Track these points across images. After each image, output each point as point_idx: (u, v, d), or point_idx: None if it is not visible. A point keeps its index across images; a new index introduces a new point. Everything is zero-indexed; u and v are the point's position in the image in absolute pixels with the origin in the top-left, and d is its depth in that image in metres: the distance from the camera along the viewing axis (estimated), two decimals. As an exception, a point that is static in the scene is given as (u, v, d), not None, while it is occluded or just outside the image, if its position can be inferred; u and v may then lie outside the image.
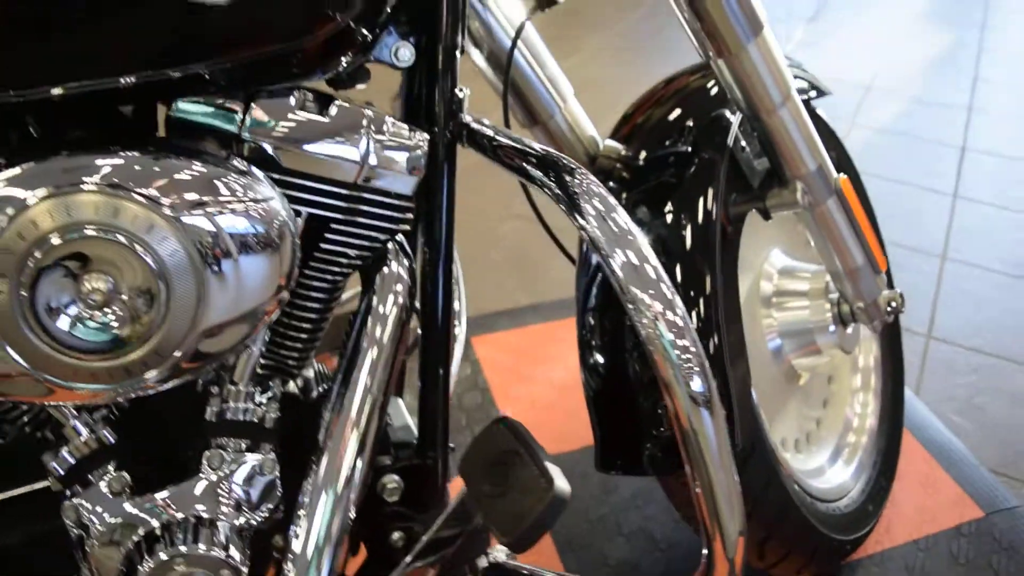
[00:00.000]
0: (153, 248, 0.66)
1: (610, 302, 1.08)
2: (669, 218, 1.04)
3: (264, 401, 0.86)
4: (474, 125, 0.88)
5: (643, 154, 1.12)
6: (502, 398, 1.68)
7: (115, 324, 0.67)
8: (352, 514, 0.81)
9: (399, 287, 0.86)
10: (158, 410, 0.87)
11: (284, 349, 0.88)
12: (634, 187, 1.11)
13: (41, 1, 0.63)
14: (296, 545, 0.80)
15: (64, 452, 0.81)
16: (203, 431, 0.84)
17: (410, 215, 0.84)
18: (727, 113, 1.09)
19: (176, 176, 0.67)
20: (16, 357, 0.66)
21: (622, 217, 0.74)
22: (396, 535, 0.95)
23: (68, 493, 0.81)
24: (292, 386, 0.94)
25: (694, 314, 1.00)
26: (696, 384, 0.72)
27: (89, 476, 0.81)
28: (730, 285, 1.03)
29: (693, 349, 0.71)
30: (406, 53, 0.82)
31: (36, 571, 0.86)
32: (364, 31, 0.74)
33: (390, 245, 0.88)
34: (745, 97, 1.00)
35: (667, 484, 1.14)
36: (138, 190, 0.65)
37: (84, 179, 0.64)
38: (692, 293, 1.01)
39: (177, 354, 0.70)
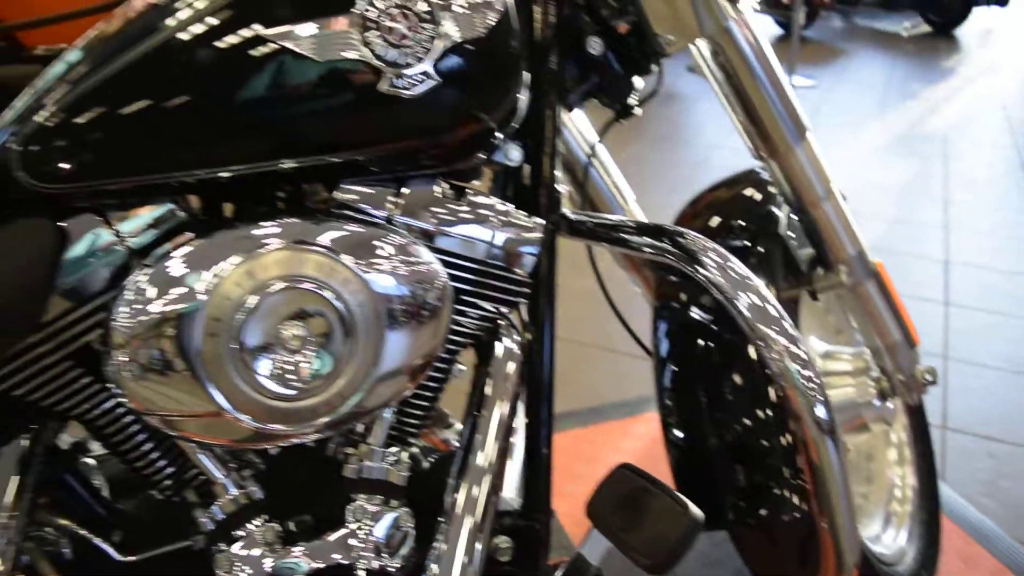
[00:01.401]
0: (346, 301, 0.77)
1: (685, 384, 1.19)
2: None
3: (394, 461, 0.95)
4: (572, 216, 1.01)
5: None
6: (557, 495, 1.74)
7: (307, 369, 0.77)
8: (478, 568, 0.89)
9: (513, 360, 0.98)
10: (300, 467, 0.95)
11: (408, 415, 0.97)
12: (694, 281, 1.25)
13: (230, 96, 0.75)
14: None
15: (215, 507, 0.88)
16: (342, 487, 0.92)
17: (527, 290, 0.97)
18: (774, 210, 1.24)
19: (362, 240, 0.79)
20: (220, 399, 0.75)
21: (739, 265, 0.86)
22: None
23: (220, 546, 0.88)
24: (415, 449, 1.03)
25: (772, 390, 1.12)
26: (821, 411, 0.82)
27: (240, 529, 0.88)
28: None
29: (817, 381, 0.82)
30: (516, 154, 0.97)
31: None
32: (499, 134, 0.88)
33: (502, 321, 1.00)
34: (794, 192, 1.16)
35: (741, 539, 1.21)
36: (334, 250, 0.77)
37: (289, 239, 0.76)
38: (768, 371, 1.12)
39: (353, 401, 0.80)
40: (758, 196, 1.28)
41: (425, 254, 0.83)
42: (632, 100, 1.09)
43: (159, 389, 0.75)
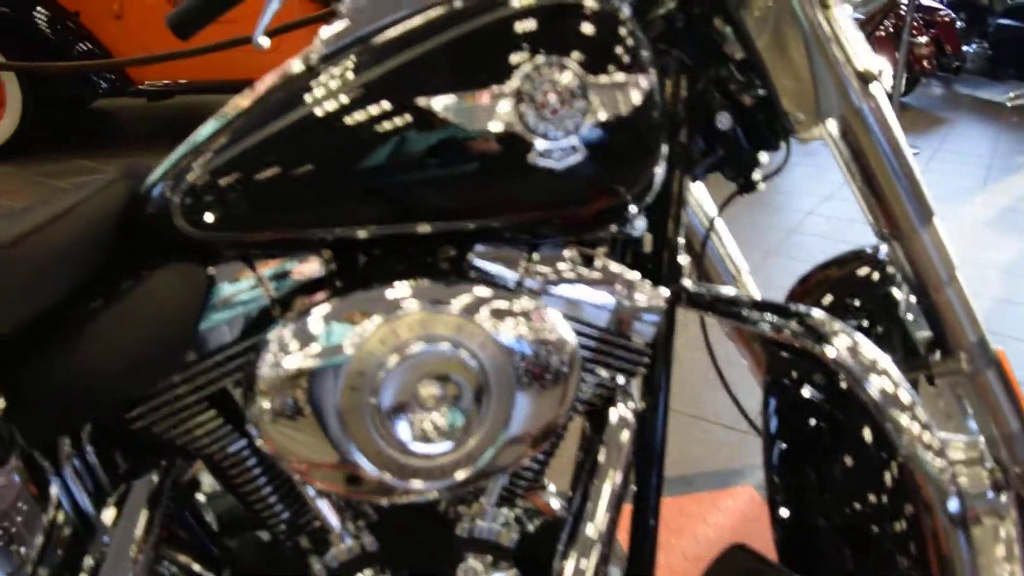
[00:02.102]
0: (482, 363, 0.79)
1: (794, 463, 1.18)
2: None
3: (504, 523, 0.96)
4: (692, 288, 1.02)
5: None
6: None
7: (441, 428, 0.79)
8: None
9: (627, 429, 0.98)
10: (413, 522, 0.97)
11: (519, 477, 0.99)
12: (809, 356, 1.23)
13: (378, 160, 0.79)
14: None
15: (330, 555, 0.90)
16: (452, 545, 0.94)
17: (646, 360, 0.97)
18: (894, 291, 1.22)
19: (498, 304, 0.81)
20: (355, 452, 0.78)
21: (870, 347, 0.85)
22: None
23: None
24: (522, 512, 1.04)
25: (887, 474, 1.09)
26: (953, 504, 0.80)
27: None
28: None
29: (949, 471, 0.80)
30: (640, 223, 0.98)
31: None
32: (633, 207, 0.90)
33: (617, 389, 1.01)
34: (916, 275, 1.14)
35: None
36: (474, 314, 0.79)
37: (429, 301, 0.79)
38: (885, 454, 1.10)
39: (482, 461, 0.81)
40: (876, 276, 1.27)
41: (557, 320, 0.84)
42: (756, 175, 1.10)
43: (297, 436, 0.78)
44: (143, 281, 0.82)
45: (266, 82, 0.85)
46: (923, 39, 6.85)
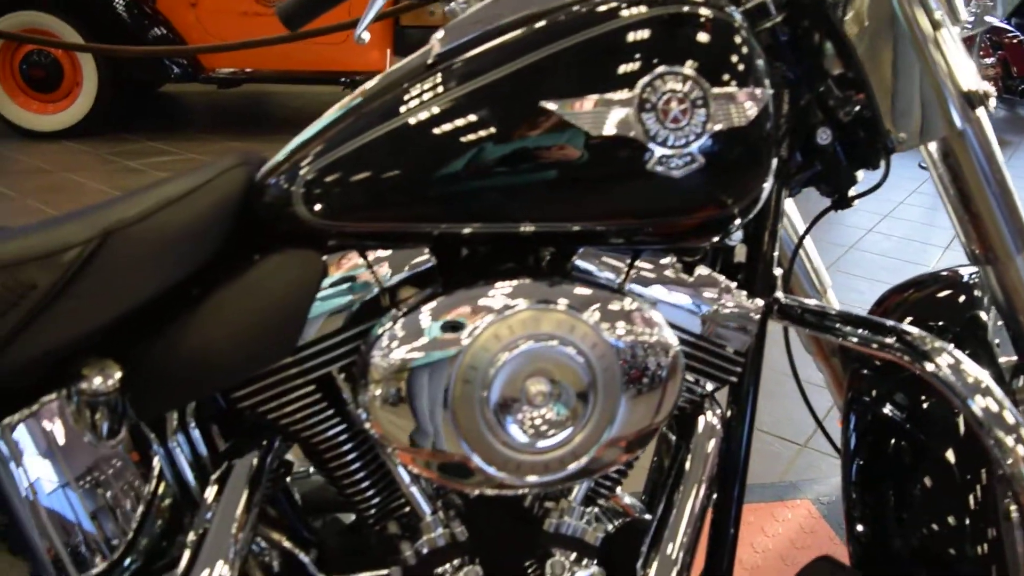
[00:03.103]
0: (592, 362, 0.81)
1: (872, 480, 1.18)
2: (938, 406, 1.14)
3: (589, 521, 0.98)
4: (784, 300, 1.03)
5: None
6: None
7: (549, 425, 0.81)
8: None
9: (714, 437, 1.00)
10: (500, 516, 0.99)
11: (606, 477, 1.00)
12: (888, 375, 1.23)
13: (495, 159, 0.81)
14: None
15: (421, 542, 0.93)
16: (539, 540, 0.96)
17: (738, 369, 0.98)
18: (981, 314, 1.22)
19: (607, 305, 0.83)
20: (463, 442, 0.80)
21: (972, 365, 0.85)
22: None
23: None
24: (602, 511, 1.06)
25: (972, 497, 1.09)
26: None
27: (442, 567, 0.92)
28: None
29: None
30: (737, 235, 0.99)
31: None
32: (737, 219, 0.90)
33: (706, 397, 1.02)
34: (1007, 300, 1.14)
35: None
36: (586, 313, 0.81)
37: (541, 300, 0.81)
38: (969, 476, 1.09)
39: (584, 459, 0.83)
40: (962, 298, 1.26)
41: (661, 322, 0.86)
42: (851, 192, 1.10)
43: (407, 424, 0.80)
44: (260, 265, 0.85)
45: (385, 77, 0.87)
46: (990, 60, 6.73)
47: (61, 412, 0.84)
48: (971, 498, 1.09)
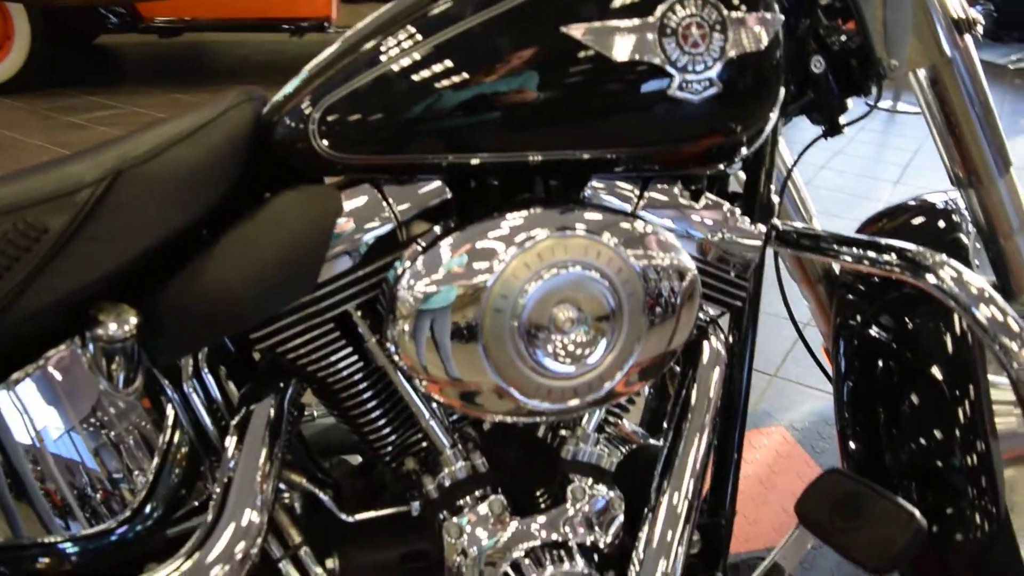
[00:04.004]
0: (618, 286, 0.82)
1: (863, 401, 1.22)
2: (924, 326, 1.19)
3: (605, 447, 1.00)
4: (782, 226, 1.05)
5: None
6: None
7: (576, 350, 0.83)
8: (682, 560, 0.93)
9: (719, 363, 1.02)
10: (519, 446, 1.01)
11: (617, 406, 1.03)
12: (874, 298, 1.27)
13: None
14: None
15: (443, 475, 0.94)
16: (557, 468, 0.98)
17: (743, 294, 1.01)
18: (962, 238, 1.26)
19: (626, 229, 0.84)
20: (494, 370, 0.81)
21: (973, 276, 0.88)
22: None
23: (443, 514, 0.93)
24: (610, 438, 1.08)
25: (961, 411, 1.14)
26: None
27: (466, 499, 0.94)
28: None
29: None
30: (737, 165, 1.01)
31: None
32: (744, 147, 0.92)
33: (710, 326, 1.04)
34: (988, 222, 1.18)
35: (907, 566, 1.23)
36: (607, 238, 0.82)
37: (564, 226, 0.81)
38: (958, 392, 1.14)
39: (611, 383, 0.85)
40: (941, 223, 1.30)
41: (678, 245, 0.87)
42: (842, 119, 1.12)
43: (438, 356, 0.81)
44: (275, 202, 0.84)
45: (396, 5, 0.85)
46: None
47: (76, 360, 0.82)
48: (959, 412, 1.14)
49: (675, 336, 0.87)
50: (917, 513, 0.88)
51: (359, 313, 0.88)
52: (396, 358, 0.83)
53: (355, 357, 0.91)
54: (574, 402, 0.85)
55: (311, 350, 0.88)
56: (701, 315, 1.04)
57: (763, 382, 2.21)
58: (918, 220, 1.33)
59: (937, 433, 1.16)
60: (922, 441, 1.17)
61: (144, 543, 0.88)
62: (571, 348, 0.82)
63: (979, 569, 1.13)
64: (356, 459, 1.13)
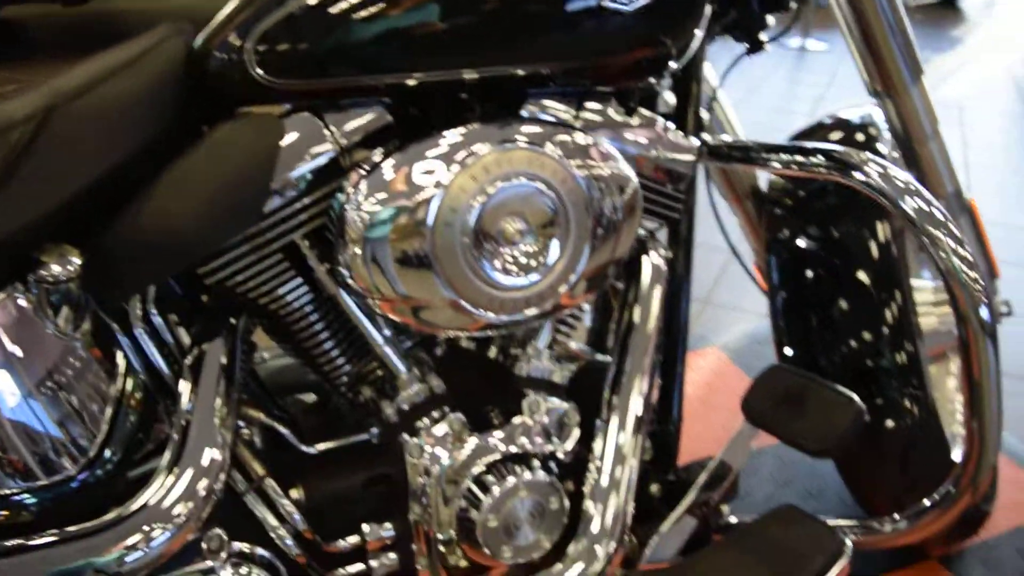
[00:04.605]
0: (563, 197, 0.84)
1: (796, 308, 1.28)
2: (849, 234, 1.24)
3: (556, 362, 1.03)
4: (711, 141, 1.08)
5: (803, 186, 1.35)
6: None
7: (525, 261, 0.84)
8: (636, 466, 0.97)
9: (659, 277, 1.05)
10: (473, 366, 1.03)
11: (562, 321, 1.05)
12: (801, 212, 1.33)
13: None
14: (599, 491, 0.96)
15: (400, 398, 0.95)
16: (512, 385, 1.00)
17: (679, 206, 1.04)
18: (880, 147, 1.32)
19: (568, 140, 0.85)
20: (447, 286, 0.82)
21: (900, 171, 0.92)
22: (654, 487, 1.11)
23: (404, 436, 0.95)
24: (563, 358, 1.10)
25: (888, 312, 1.20)
26: (984, 313, 0.89)
27: (427, 419, 0.95)
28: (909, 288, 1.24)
29: (982, 283, 0.89)
30: (665, 81, 1.04)
31: (356, 516, 0.98)
32: (673, 61, 0.94)
33: (649, 240, 1.07)
34: (904, 129, 1.24)
35: (849, 465, 1.31)
36: (555, 150, 0.84)
37: (514, 140, 0.83)
38: (884, 295, 1.20)
39: (560, 292, 0.87)
40: (858, 136, 1.36)
41: (618, 155, 0.89)
42: (763, 36, 1.16)
43: (391, 276, 0.81)
44: (215, 133, 0.82)
45: None
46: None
47: (19, 306, 0.80)
48: (887, 314, 1.21)
49: (620, 244, 0.89)
50: (856, 398, 0.93)
51: (307, 243, 0.88)
52: (350, 282, 0.83)
53: (305, 288, 0.91)
54: (526, 313, 0.86)
55: (261, 282, 0.88)
56: (640, 230, 1.07)
57: (696, 308, 2.28)
58: (837, 135, 1.38)
59: (867, 335, 1.22)
60: (853, 343, 1.24)
61: (105, 487, 0.87)
62: (520, 259, 0.84)
63: (909, 454, 1.21)
64: (311, 397, 1.13)
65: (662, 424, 1.13)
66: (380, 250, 0.80)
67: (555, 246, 0.85)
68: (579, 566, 0.94)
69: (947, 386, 1.62)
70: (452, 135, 0.83)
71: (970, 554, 1.51)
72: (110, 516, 0.78)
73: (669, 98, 1.10)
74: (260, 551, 0.93)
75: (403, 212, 0.80)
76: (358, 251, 0.81)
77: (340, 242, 0.82)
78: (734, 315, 2.28)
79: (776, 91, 4.44)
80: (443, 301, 0.83)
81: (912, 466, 1.22)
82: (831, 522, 0.99)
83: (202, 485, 0.80)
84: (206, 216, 0.81)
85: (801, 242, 1.29)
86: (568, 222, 0.85)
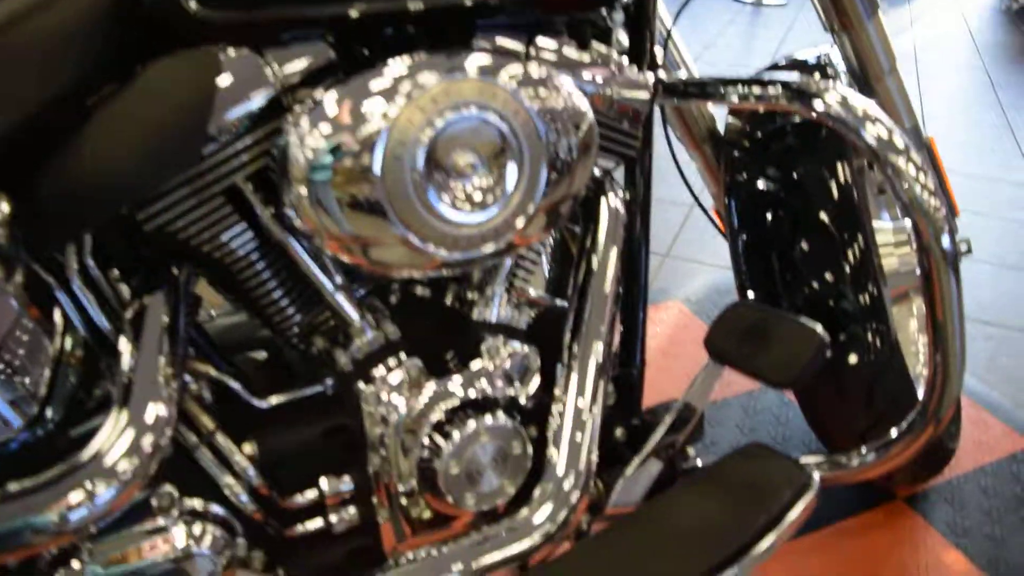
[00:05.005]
0: (516, 129, 0.81)
1: (758, 251, 1.26)
2: (809, 174, 1.23)
3: (515, 307, 1.01)
4: (667, 78, 1.06)
5: (761, 127, 1.33)
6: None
7: (478, 196, 0.81)
8: (600, 410, 0.96)
9: (618, 219, 1.03)
10: (430, 310, 1.00)
11: (519, 265, 1.03)
12: (759, 153, 1.31)
13: None
14: (562, 436, 0.94)
15: (355, 347, 0.92)
16: (469, 329, 0.98)
17: (635, 143, 1.01)
18: (837, 85, 1.30)
19: (520, 72, 0.82)
20: (398, 223, 0.79)
21: (858, 97, 0.89)
22: (619, 432, 1.09)
23: (359, 385, 0.92)
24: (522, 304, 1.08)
25: (850, 252, 1.19)
26: (946, 241, 0.88)
27: (383, 367, 0.92)
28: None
29: (944, 211, 0.88)
30: (619, 15, 1.01)
31: (313, 471, 0.96)
32: None
33: (605, 179, 1.05)
34: (860, 66, 1.22)
35: (814, 404, 1.30)
36: (508, 81, 0.80)
37: (465, 69, 0.79)
38: (846, 236, 1.19)
39: (516, 227, 0.84)
40: (818, 76, 1.34)
41: (572, 88, 0.86)
42: None
43: (340, 216, 0.78)
44: (150, 70, 0.78)
45: None
46: None
47: None
48: (848, 254, 1.20)
49: (575, 180, 0.86)
50: (820, 328, 0.92)
51: (250, 186, 0.84)
52: (297, 223, 0.80)
53: (250, 234, 0.87)
54: (481, 250, 0.83)
55: (202, 228, 0.84)
56: (596, 170, 1.04)
57: (657, 262, 2.28)
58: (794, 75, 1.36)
59: (828, 275, 1.21)
60: (815, 283, 1.22)
61: (48, 446, 0.84)
62: (473, 194, 0.81)
63: (873, 391, 1.20)
64: (263, 356, 1.10)
65: (625, 368, 1.11)
66: (326, 188, 0.77)
67: (508, 180, 0.82)
68: (545, 510, 0.92)
69: (910, 328, 1.63)
70: (398, 65, 0.79)
71: (935, 493, 1.52)
72: (50, 474, 0.74)
73: (623, 39, 1.07)
74: (215, 507, 0.90)
75: (349, 147, 0.76)
76: (303, 191, 0.77)
77: (284, 182, 0.78)
78: (695, 268, 2.28)
79: (732, 47, 4.43)
80: (394, 239, 0.80)
81: (876, 403, 1.22)
82: (798, 459, 0.98)
83: (147, 441, 0.77)
84: (140, 158, 0.77)
85: (760, 184, 1.28)
86: (522, 155, 0.82)
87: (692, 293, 2.14)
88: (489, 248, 0.84)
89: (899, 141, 0.87)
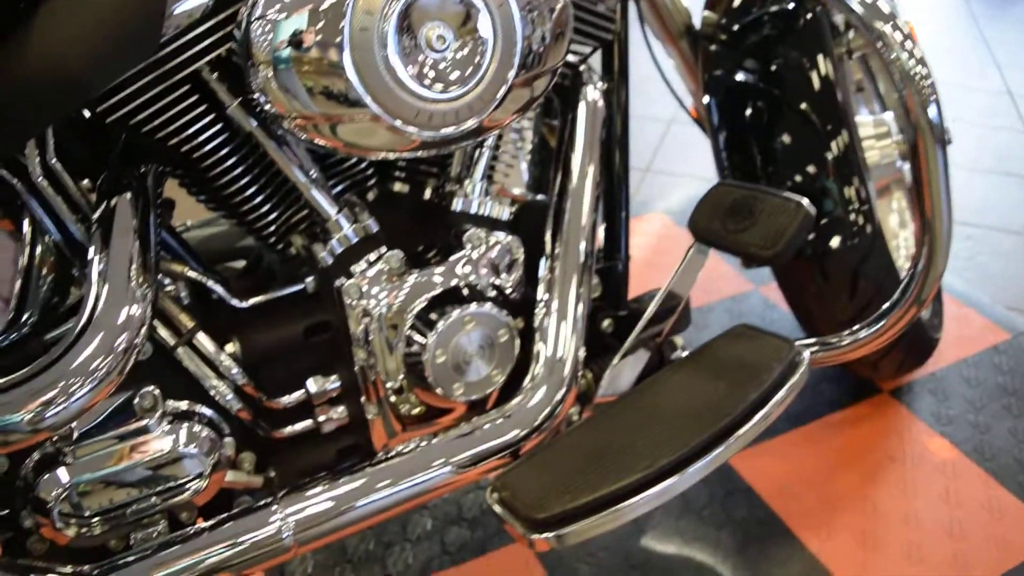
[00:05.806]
0: (488, 1, 0.78)
1: (740, 144, 1.24)
2: (788, 64, 1.20)
3: (497, 202, 0.99)
4: None
5: (737, 19, 1.30)
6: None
7: (450, 71, 0.78)
8: (585, 302, 0.95)
9: (597, 107, 1.01)
10: (409, 203, 0.98)
11: (496, 159, 1.01)
12: (737, 45, 1.28)
13: None
14: (549, 326, 0.93)
15: (334, 242, 0.90)
16: (450, 220, 0.96)
17: (612, 27, 0.99)
18: None
19: None
20: (369, 98, 0.76)
21: None
22: (605, 323, 1.09)
23: (341, 280, 0.90)
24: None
25: (834, 144, 1.17)
26: (933, 111, 0.86)
27: (363, 260, 0.90)
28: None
29: (930, 80, 0.86)
30: None
31: (298, 370, 0.94)
32: None
33: (583, 69, 1.02)
34: None
35: (788, 273, 1.29)
36: None
37: None
38: (830, 127, 1.17)
39: (491, 105, 0.81)
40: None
41: None
42: None
43: (310, 95, 0.75)
44: None
45: None
46: None
47: None
48: (832, 145, 1.18)
49: (549, 56, 0.83)
50: (805, 201, 0.91)
51: (215, 76, 0.81)
52: (266, 108, 0.77)
53: (219, 126, 0.84)
54: (455, 127, 0.81)
55: (167, 120, 0.81)
56: (573, 56, 1.02)
57: (638, 176, 2.26)
58: None
59: (811, 168, 1.20)
60: (797, 177, 1.21)
61: (23, 349, 0.82)
62: (445, 68, 0.78)
63: (857, 276, 1.20)
64: (240, 264, 1.08)
65: (610, 261, 1.10)
66: (292, 67, 0.74)
67: (481, 55, 0.79)
68: (534, 399, 0.92)
69: (891, 222, 1.63)
70: None
71: (919, 385, 1.53)
72: (23, 372, 0.72)
73: None
74: (201, 408, 0.89)
75: (314, 19, 0.73)
76: (269, 72, 0.74)
77: (249, 65, 0.75)
78: (676, 181, 2.26)
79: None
80: (365, 116, 0.77)
81: (861, 289, 1.21)
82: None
83: (121, 339, 0.75)
84: (97, 46, 0.73)
85: (739, 77, 1.25)
86: (494, 28, 0.79)
87: (674, 205, 2.13)
88: (467, 124, 0.81)
89: (884, 6, 0.86)
